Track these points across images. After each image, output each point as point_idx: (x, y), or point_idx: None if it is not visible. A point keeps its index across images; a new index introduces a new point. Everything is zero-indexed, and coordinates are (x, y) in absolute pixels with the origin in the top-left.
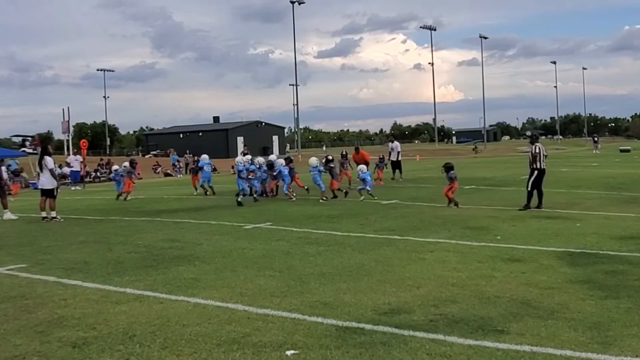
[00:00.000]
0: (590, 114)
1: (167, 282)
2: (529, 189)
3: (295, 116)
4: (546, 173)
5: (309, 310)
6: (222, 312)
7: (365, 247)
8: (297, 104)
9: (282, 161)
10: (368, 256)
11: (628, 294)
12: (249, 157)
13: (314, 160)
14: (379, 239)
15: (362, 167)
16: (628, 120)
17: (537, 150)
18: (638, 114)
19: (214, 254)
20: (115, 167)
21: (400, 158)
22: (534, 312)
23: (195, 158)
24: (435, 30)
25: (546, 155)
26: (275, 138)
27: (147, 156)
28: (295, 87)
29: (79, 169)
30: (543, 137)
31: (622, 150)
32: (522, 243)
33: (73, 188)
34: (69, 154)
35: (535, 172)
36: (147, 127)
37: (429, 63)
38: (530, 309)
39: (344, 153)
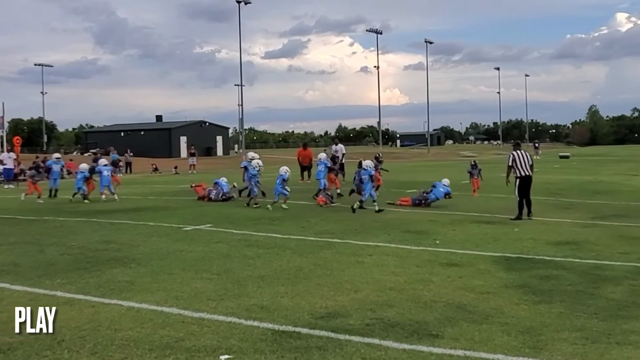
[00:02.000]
0: (532, 120)
1: (100, 285)
2: (517, 197)
3: (240, 117)
4: (532, 181)
5: (246, 314)
6: (156, 316)
7: (305, 250)
8: (242, 105)
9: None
10: (307, 259)
11: (561, 299)
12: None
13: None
14: (319, 242)
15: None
16: (568, 127)
17: (510, 162)
18: (578, 121)
19: (150, 256)
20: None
21: (344, 161)
22: (469, 317)
23: (43, 161)
24: (381, 33)
25: (531, 165)
26: (219, 138)
27: (86, 154)
28: (240, 87)
29: (13, 167)
30: (485, 142)
31: (561, 157)
32: (461, 248)
33: (6, 186)
34: (2, 151)
35: (517, 180)
36: (87, 125)
37: (375, 66)
38: (465, 314)
39: (378, 156)
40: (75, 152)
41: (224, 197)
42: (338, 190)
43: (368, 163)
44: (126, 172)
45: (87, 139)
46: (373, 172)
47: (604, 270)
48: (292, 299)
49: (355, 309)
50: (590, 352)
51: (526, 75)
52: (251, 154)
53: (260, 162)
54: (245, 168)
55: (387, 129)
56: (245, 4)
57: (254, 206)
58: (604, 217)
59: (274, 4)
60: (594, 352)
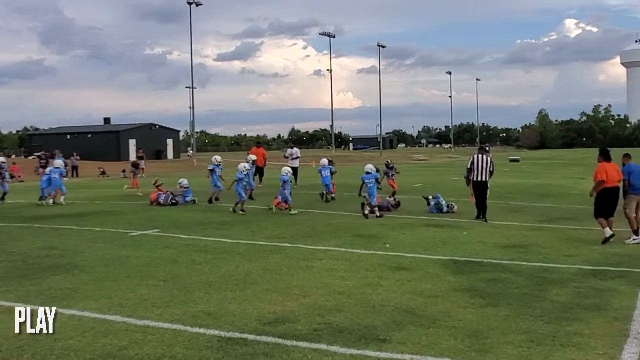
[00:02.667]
0: (483, 124)
1: (40, 293)
2: (474, 200)
3: (191, 119)
4: (488, 187)
5: (191, 321)
6: (98, 324)
7: (255, 254)
8: (192, 107)
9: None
10: (256, 264)
11: (507, 302)
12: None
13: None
14: (268, 247)
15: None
16: (518, 130)
17: (469, 165)
18: (528, 124)
19: (94, 263)
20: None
21: (297, 165)
22: (416, 321)
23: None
24: (334, 37)
25: (491, 172)
26: (169, 141)
27: (30, 157)
28: (191, 89)
29: None
30: (437, 146)
31: (511, 160)
32: (410, 251)
33: None
34: None
35: (472, 183)
36: (32, 127)
37: (328, 70)
38: (413, 318)
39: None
40: (13, 156)
41: (172, 201)
42: (333, 194)
43: (370, 167)
44: (72, 176)
45: (32, 142)
46: (377, 175)
47: (550, 272)
48: (240, 304)
49: (303, 314)
50: (535, 354)
51: (477, 80)
52: (217, 157)
53: (247, 165)
54: (212, 170)
55: (340, 132)
56: (197, 5)
57: (240, 212)
58: (551, 220)
59: (226, 6)
60: (538, 355)
